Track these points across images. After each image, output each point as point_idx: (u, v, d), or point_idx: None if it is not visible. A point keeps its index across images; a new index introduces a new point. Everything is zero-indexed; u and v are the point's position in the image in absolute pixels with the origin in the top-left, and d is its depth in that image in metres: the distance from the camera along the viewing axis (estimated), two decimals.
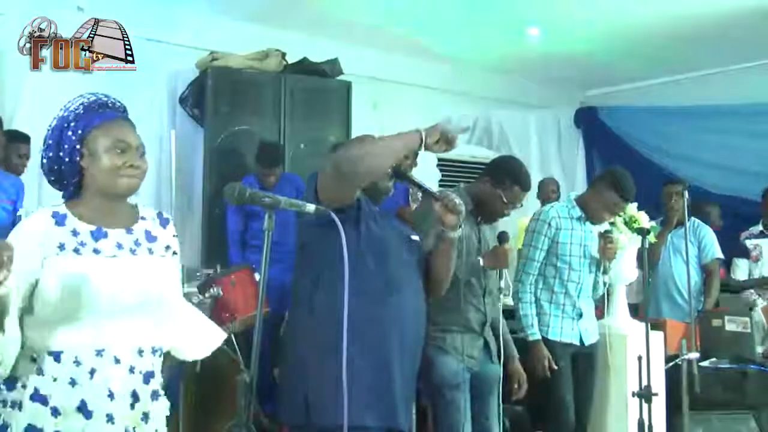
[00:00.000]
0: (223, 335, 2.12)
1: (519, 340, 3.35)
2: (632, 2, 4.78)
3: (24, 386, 1.71)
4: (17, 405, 1.71)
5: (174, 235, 1.95)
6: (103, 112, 1.81)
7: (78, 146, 1.76)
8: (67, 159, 1.77)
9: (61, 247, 1.72)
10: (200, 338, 2.07)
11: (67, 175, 1.80)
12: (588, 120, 6.94)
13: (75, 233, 1.75)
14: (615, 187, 3.40)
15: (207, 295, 3.74)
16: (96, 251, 1.76)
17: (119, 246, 1.80)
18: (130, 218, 1.87)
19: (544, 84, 6.76)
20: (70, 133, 1.76)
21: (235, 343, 3.98)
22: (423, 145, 2.15)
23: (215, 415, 3.69)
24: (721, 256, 4.84)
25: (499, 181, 2.95)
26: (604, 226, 3.51)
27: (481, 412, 2.96)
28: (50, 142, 1.79)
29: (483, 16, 5.01)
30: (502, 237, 2.92)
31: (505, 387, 3.13)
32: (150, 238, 1.87)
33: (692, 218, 4.88)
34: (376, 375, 2.20)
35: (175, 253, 1.93)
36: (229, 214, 4.45)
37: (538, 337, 3.31)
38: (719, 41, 5.36)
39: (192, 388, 3.58)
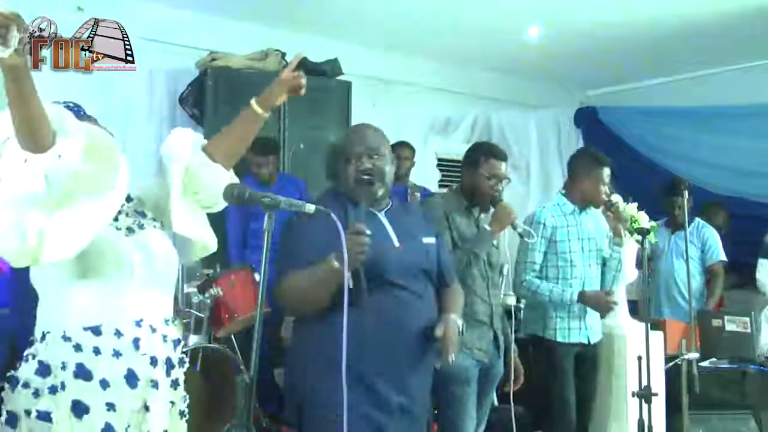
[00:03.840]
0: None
1: (518, 339, 3.36)
2: (632, 2, 4.78)
3: (64, 367, 1.73)
4: (57, 388, 1.72)
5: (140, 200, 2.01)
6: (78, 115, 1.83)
7: None
8: None
9: None
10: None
11: None
12: (588, 120, 6.92)
13: None
14: (592, 160, 3.47)
15: (207, 295, 3.74)
16: (117, 228, 1.85)
17: (130, 229, 1.89)
18: None
19: (544, 84, 6.76)
20: None
21: (235, 343, 3.99)
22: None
23: (215, 415, 3.69)
24: (724, 258, 4.84)
25: (475, 162, 3.07)
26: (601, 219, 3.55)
27: (476, 407, 2.98)
28: None
29: (483, 16, 5.01)
30: (495, 199, 3.02)
31: (503, 385, 3.15)
32: (140, 213, 1.96)
33: (696, 219, 4.89)
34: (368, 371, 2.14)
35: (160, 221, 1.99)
36: (229, 214, 4.45)
37: (577, 290, 3.34)
38: (719, 41, 5.36)
39: (192, 388, 3.57)
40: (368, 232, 2.01)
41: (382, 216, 2.30)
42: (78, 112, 1.89)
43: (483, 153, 3.09)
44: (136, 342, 1.80)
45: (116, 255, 1.80)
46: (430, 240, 2.37)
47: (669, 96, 6.38)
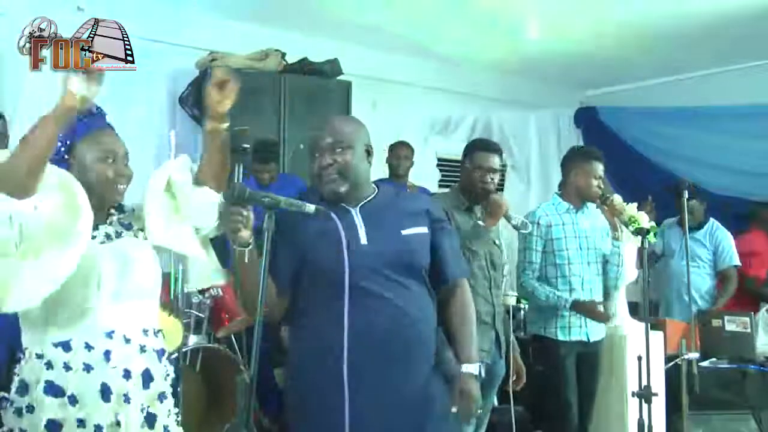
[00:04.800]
0: None
1: (520, 339, 3.37)
2: (632, 2, 4.77)
3: (37, 384, 1.73)
4: (33, 407, 1.72)
5: (133, 211, 1.99)
6: (88, 121, 1.84)
7: (66, 156, 1.81)
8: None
9: None
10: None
11: None
12: (588, 120, 6.93)
13: None
14: (581, 155, 3.54)
15: (207, 295, 3.75)
16: (92, 237, 1.82)
17: (107, 236, 1.87)
18: (104, 214, 1.91)
19: (544, 84, 6.75)
20: (59, 144, 1.77)
21: (235, 343, 3.99)
22: None
23: (215, 415, 3.69)
24: (738, 263, 4.82)
25: (465, 156, 3.17)
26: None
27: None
28: None
29: (483, 16, 5.01)
30: (486, 191, 3.08)
31: (503, 385, 3.15)
32: (126, 226, 1.93)
33: (711, 220, 4.88)
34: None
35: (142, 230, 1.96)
36: None
37: (571, 298, 3.33)
38: (719, 41, 5.35)
39: (192, 388, 3.58)
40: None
41: (355, 212, 2.10)
42: (100, 117, 1.89)
43: (471, 147, 3.17)
44: (107, 354, 1.76)
45: (84, 266, 1.76)
46: (415, 230, 2.12)
47: (669, 96, 6.37)
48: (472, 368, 2.11)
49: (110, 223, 1.90)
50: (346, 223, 2.06)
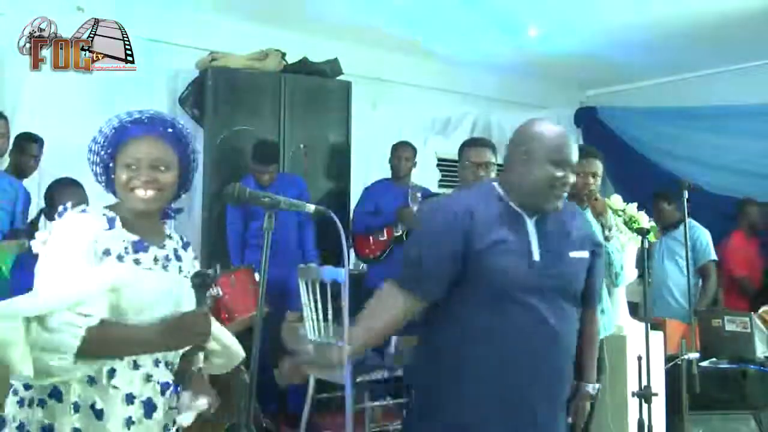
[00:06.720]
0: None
1: None
2: (632, 2, 4.77)
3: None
4: (35, 402, 1.70)
5: (194, 258, 2.03)
6: (130, 128, 1.81)
7: (111, 164, 1.82)
8: (104, 176, 1.84)
9: (106, 252, 1.73)
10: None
11: (107, 186, 1.87)
12: (588, 120, 6.94)
13: (122, 240, 1.78)
14: None
15: (207, 295, 3.74)
16: (136, 262, 1.79)
17: (155, 260, 1.85)
18: (161, 234, 1.91)
19: (544, 84, 6.75)
20: (103, 152, 1.81)
21: None
22: None
23: (215, 415, 3.68)
24: (715, 257, 4.83)
25: (460, 157, 3.26)
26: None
27: None
28: (92, 158, 1.84)
29: (482, 16, 5.01)
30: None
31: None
32: (177, 257, 1.92)
33: (689, 219, 4.89)
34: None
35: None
36: (229, 214, 4.45)
37: None
38: (719, 41, 5.35)
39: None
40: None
41: (531, 224, 2.08)
42: (151, 126, 1.85)
43: (462, 146, 3.24)
44: (111, 373, 1.75)
45: (117, 291, 1.77)
46: (581, 254, 2.12)
47: (669, 96, 6.38)
48: (590, 388, 2.35)
49: (162, 247, 1.87)
50: (520, 234, 2.06)
